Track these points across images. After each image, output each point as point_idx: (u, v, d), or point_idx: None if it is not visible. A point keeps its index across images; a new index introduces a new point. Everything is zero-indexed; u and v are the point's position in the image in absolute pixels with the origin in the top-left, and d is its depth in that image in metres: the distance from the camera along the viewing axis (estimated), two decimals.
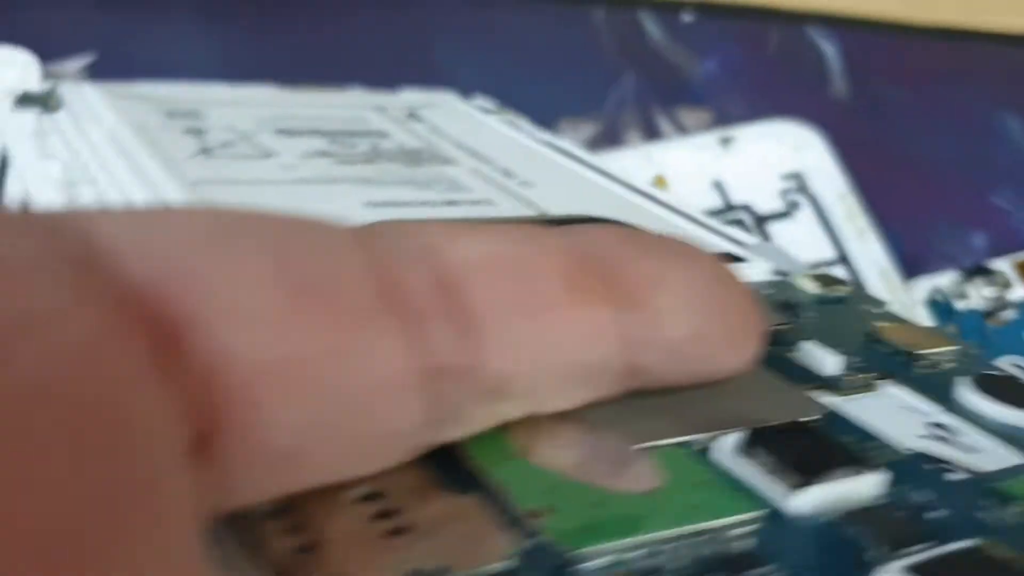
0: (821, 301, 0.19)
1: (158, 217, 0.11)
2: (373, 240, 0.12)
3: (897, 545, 0.12)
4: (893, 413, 0.15)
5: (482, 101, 0.30)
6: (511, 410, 0.12)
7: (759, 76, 0.33)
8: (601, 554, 0.11)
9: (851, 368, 0.16)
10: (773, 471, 0.13)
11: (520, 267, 0.13)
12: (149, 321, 0.10)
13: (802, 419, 0.14)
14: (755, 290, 0.15)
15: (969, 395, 0.15)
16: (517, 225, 0.14)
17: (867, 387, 0.16)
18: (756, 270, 0.20)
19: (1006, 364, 0.16)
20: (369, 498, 0.11)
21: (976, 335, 0.29)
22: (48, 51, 0.30)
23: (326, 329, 0.10)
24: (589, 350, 0.13)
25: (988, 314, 0.29)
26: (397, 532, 0.11)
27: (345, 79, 0.30)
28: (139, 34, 0.32)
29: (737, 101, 0.33)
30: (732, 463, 0.13)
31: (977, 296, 0.29)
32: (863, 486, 0.13)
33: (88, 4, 0.33)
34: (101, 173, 0.25)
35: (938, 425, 0.15)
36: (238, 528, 0.11)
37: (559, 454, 0.13)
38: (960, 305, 0.29)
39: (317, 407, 0.10)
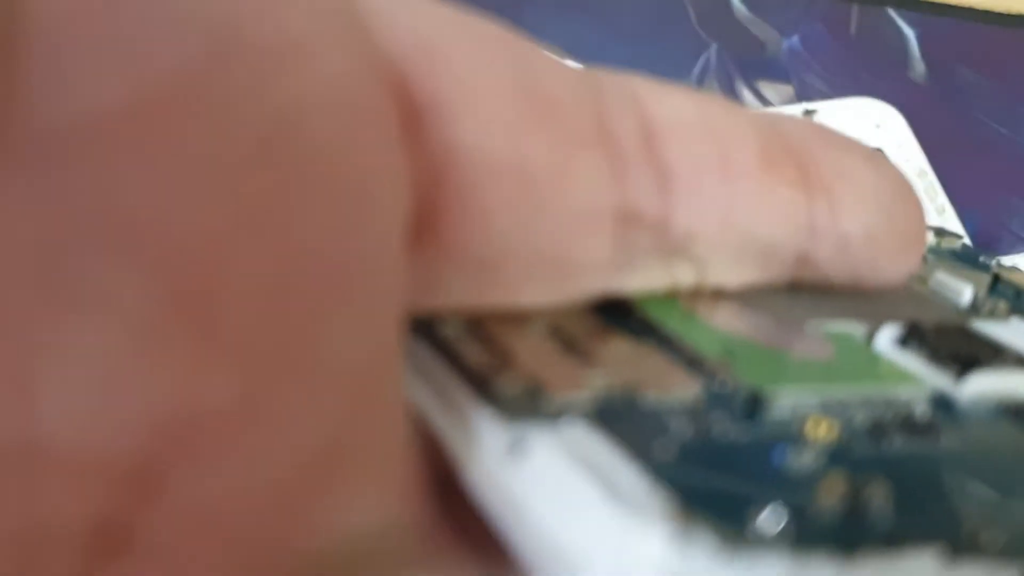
0: (936, 251, 0.19)
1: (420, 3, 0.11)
2: (594, 80, 0.12)
3: None
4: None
5: None
6: (685, 273, 0.12)
7: (839, 55, 0.33)
8: (787, 396, 0.11)
9: (981, 301, 0.16)
10: (934, 361, 0.13)
11: (720, 133, 0.13)
12: (401, 93, 0.10)
13: (952, 323, 0.14)
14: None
15: None
16: (718, 98, 0.14)
17: (1000, 315, 0.16)
18: None
19: None
20: (553, 332, 0.11)
21: None
22: None
23: (552, 146, 0.11)
24: (772, 226, 0.13)
25: None
26: (583, 359, 0.11)
27: None
28: None
29: (817, 78, 0.33)
30: (893, 353, 0.13)
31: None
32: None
33: None
34: None
35: None
36: (428, 336, 0.11)
37: (730, 320, 0.13)
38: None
39: (527, 221, 0.10)
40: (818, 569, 0.09)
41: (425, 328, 0.11)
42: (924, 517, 0.10)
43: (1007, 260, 0.30)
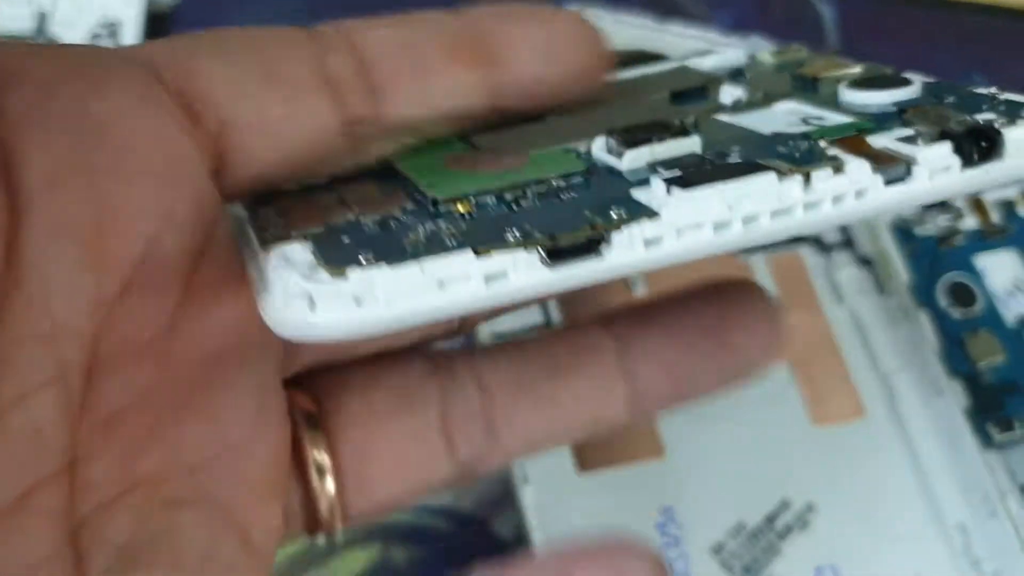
0: (778, 67, 0.23)
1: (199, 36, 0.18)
2: (318, 36, 0.18)
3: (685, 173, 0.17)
4: (775, 116, 0.20)
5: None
6: (409, 138, 0.19)
7: (765, 31, 0.37)
8: (453, 192, 0.17)
9: (754, 95, 0.21)
10: (615, 150, 0.18)
11: (415, 46, 0.19)
12: (179, 96, 0.16)
13: (665, 120, 0.19)
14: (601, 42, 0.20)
15: (844, 92, 0.20)
16: (423, 14, 0.20)
17: (764, 103, 0.21)
18: (730, 55, 0.24)
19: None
20: (338, 198, 0.18)
21: (929, 255, 0.33)
22: None
23: (283, 101, 0.17)
24: (461, 97, 0.19)
25: (942, 239, 0.33)
26: (344, 206, 0.17)
27: None
28: None
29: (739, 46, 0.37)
30: (603, 157, 0.18)
31: (933, 224, 0.33)
32: (681, 146, 0.18)
33: None
34: None
35: (814, 118, 0.19)
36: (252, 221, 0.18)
37: (465, 162, 0.19)
38: (918, 231, 0.33)
39: (285, 148, 0.17)
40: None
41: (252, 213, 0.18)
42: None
43: None
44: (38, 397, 0.15)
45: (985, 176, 0.17)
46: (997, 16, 0.38)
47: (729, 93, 0.22)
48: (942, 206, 0.35)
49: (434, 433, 0.20)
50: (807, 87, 0.21)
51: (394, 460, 0.20)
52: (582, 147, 0.19)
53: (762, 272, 0.31)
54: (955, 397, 0.29)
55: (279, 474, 0.18)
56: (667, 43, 0.26)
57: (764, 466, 0.28)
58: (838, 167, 0.16)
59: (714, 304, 0.22)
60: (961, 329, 0.31)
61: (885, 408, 0.29)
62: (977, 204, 0.35)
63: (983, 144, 0.17)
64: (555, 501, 0.28)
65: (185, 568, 0.16)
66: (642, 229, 0.16)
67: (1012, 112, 0.18)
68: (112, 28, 0.36)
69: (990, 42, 0.38)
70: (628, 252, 0.16)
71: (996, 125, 0.17)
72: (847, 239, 0.32)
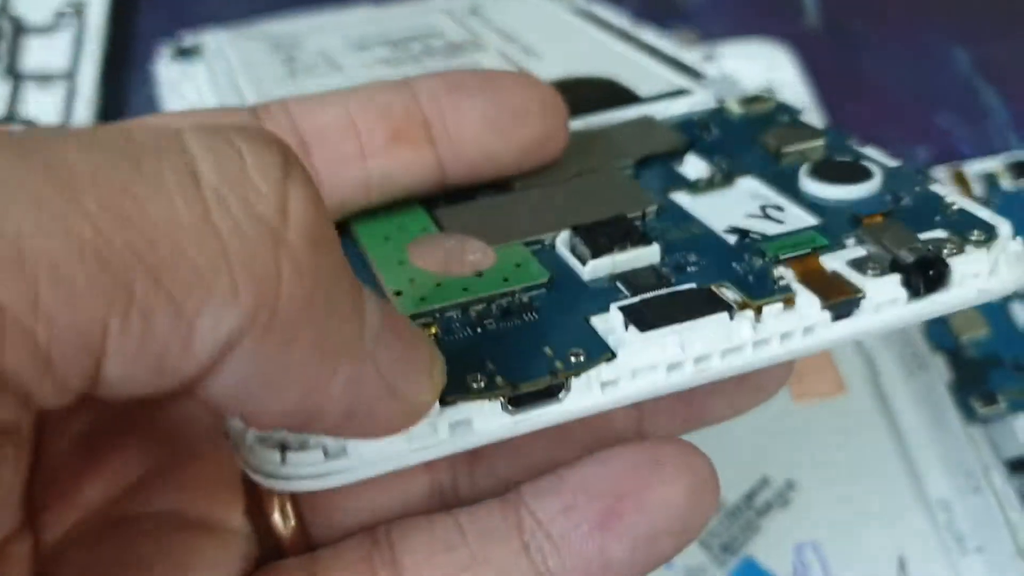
0: (745, 120, 0.23)
1: None
2: (262, 115, 0.19)
3: (636, 290, 0.18)
4: (736, 201, 0.20)
5: None
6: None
7: (742, 4, 0.37)
8: (428, 315, 0.17)
9: (718, 169, 0.21)
10: (579, 252, 0.19)
11: (357, 127, 0.19)
12: None
13: (629, 213, 0.20)
14: (556, 107, 0.20)
15: (804, 181, 0.20)
16: (370, 91, 0.20)
17: (725, 182, 0.21)
18: (698, 99, 0.24)
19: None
20: None
21: None
22: None
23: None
24: (406, 176, 0.19)
25: None
26: None
27: None
28: None
29: (722, 25, 0.37)
30: (565, 255, 0.19)
31: None
32: (641, 256, 0.18)
33: None
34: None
35: (773, 207, 0.20)
36: None
37: (430, 256, 0.19)
38: None
39: None
40: None
41: None
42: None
43: None
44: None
45: (930, 307, 0.17)
46: None
47: (693, 167, 0.22)
48: None
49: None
50: (769, 161, 0.22)
51: None
52: (547, 238, 0.19)
53: None
54: (938, 371, 0.29)
55: (215, 467, 0.18)
56: (636, 68, 0.26)
57: (744, 444, 0.28)
58: (789, 300, 0.17)
59: None
60: None
61: (867, 384, 0.29)
62: (959, 178, 0.35)
63: (930, 274, 0.17)
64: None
65: (152, 570, 0.17)
66: (599, 373, 0.16)
67: (963, 227, 0.18)
68: (78, 6, 0.35)
69: (972, 18, 0.38)
70: (586, 396, 0.16)
71: (943, 254, 0.17)
72: None
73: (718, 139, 0.23)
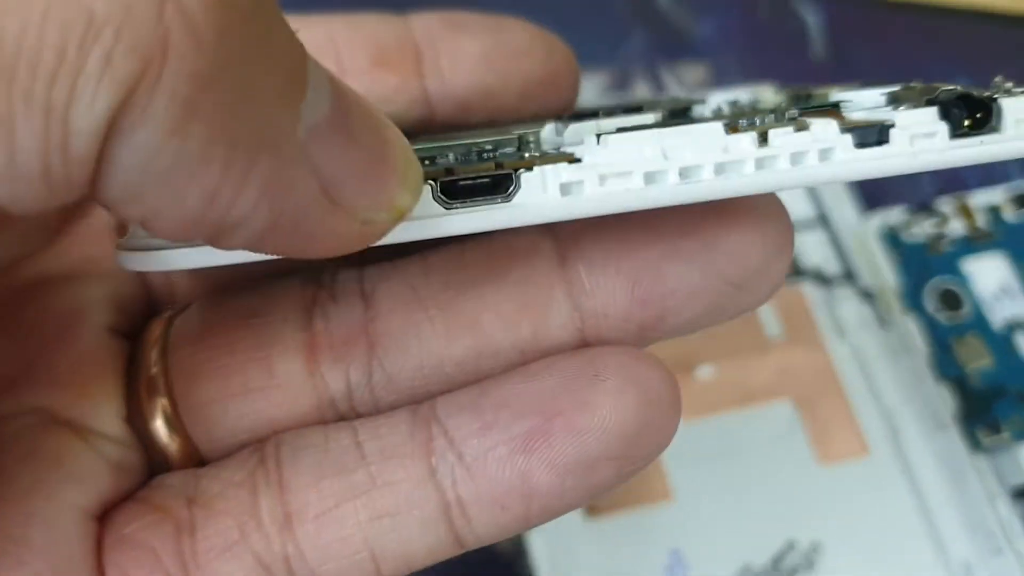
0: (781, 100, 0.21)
1: None
2: None
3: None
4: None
5: None
6: None
7: (750, 38, 0.37)
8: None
9: (739, 109, 0.19)
10: (562, 124, 0.17)
11: (338, 50, 0.17)
12: None
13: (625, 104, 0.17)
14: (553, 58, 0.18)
15: (836, 94, 0.18)
16: (361, 18, 0.18)
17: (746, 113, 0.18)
18: (732, 94, 0.22)
19: None
20: None
21: (918, 262, 0.33)
22: None
23: None
24: (385, 102, 0.17)
25: (929, 245, 0.33)
26: None
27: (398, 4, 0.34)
28: None
29: (730, 59, 0.36)
30: (550, 139, 0.17)
31: (921, 230, 0.33)
32: (632, 120, 0.16)
33: None
34: None
35: None
36: None
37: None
38: (905, 237, 0.33)
39: None
40: None
41: None
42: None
43: (885, 216, 0.34)
44: None
45: (980, 148, 0.15)
46: (983, 21, 0.38)
47: (711, 108, 0.19)
48: (928, 211, 0.35)
49: (288, 354, 0.17)
50: (800, 102, 0.19)
51: (234, 386, 0.17)
52: (532, 137, 0.16)
53: (764, 307, 0.31)
54: (944, 403, 0.30)
55: (93, 367, 0.17)
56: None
57: (770, 506, 0.29)
58: (801, 126, 0.14)
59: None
60: (949, 334, 0.31)
61: (889, 445, 0.29)
62: (963, 209, 0.35)
63: (977, 113, 0.15)
64: (564, 548, 0.27)
65: (23, 467, 0.15)
66: (557, 172, 0.13)
67: (1014, 93, 0.15)
68: None
69: (976, 47, 0.38)
70: (540, 196, 0.13)
71: (993, 94, 0.15)
72: (847, 271, 0.32)
73: (753, 106, 0.20)
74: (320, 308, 0.17)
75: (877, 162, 0.14)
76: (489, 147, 0.15)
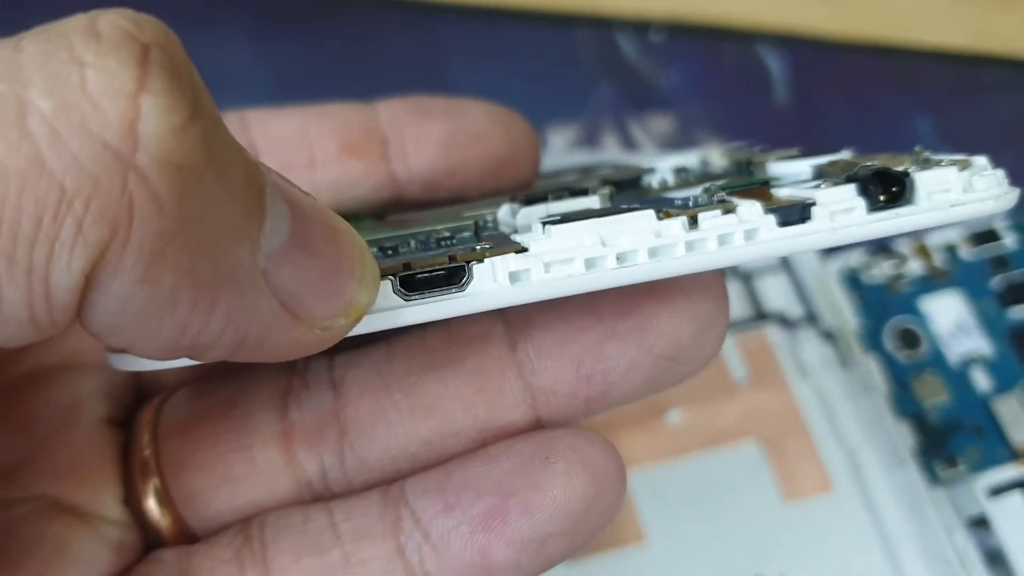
0: (729, 165, 0.22)
1: None
2: None
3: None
4: (692, 189, 0.19)
5: None
6: None
7: (715, 87, 0.38)
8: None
9: (683, 180, 0.20)
10: (513, 207, 0.18)
11: (309, 140, 0.19)
12: None
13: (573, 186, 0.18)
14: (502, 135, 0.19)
15: (770, 167, 0.19)
16: (332, 107, 0.19)
17: (689, 184, 0.20)
18: (682, 157, 0.23)
19: None
20: None
21: (877, 302, 0.34)
22: None
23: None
24: (354, 186, 0.19)
25: (888, 285, 0.34)
26: None
27: (371, 88, 0.35)
28: (195, 45, 0.36)
29: (696, 108, 0.37)
30: (505, 220, 0.18)
31: (880, 271, 0.34)
32: (578, 204, 0.17)
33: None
34: None
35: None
36: None
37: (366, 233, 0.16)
38: (865, 278, 0.34)
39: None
40: None
41: None
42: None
43: (845, 259, 0.35)
44: None
45: (894, 219, 0.16)
46: (942, 61, 0.39)
47: (658, 179, 0.21)
48: (887, 252, 0.36)
49: (268, 442, 0.18)
50: (741, 170, 0.20)
51: (219, 474, 0.18)
52: (489, 216, 0.18)
53: (731, 352, 0.32)
54: (904, 439, 0.31)
55: (92, 457, 0.18)
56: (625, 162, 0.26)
57: (739, 542, 0.30)
58: (728, 208, 0.15)
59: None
60: (908, 372, 0.33)
61: (851, 481, 0.31)
62: (921, 249, 0.36)
63: (892, 187, 0.16)
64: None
65: (31, 552, 0.16)
66: (506, 262, 0.15)
67: (931, 163, 0.16)
68: None
69: (934, 84, 0.39)
70: (491, 285, 0.15)
71: (908, 169, 0.16)
72: (810, 313, 0.33)
73: (698, 172, 0.22)
74: (295, 396, 0.18)
75: (799, 239, 0.15)
76: (447, 234, 0.16)
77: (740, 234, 0.15)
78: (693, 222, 0.15)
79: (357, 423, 0.18)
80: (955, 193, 0.16)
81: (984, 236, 0.35)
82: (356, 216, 0.19)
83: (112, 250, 0.12)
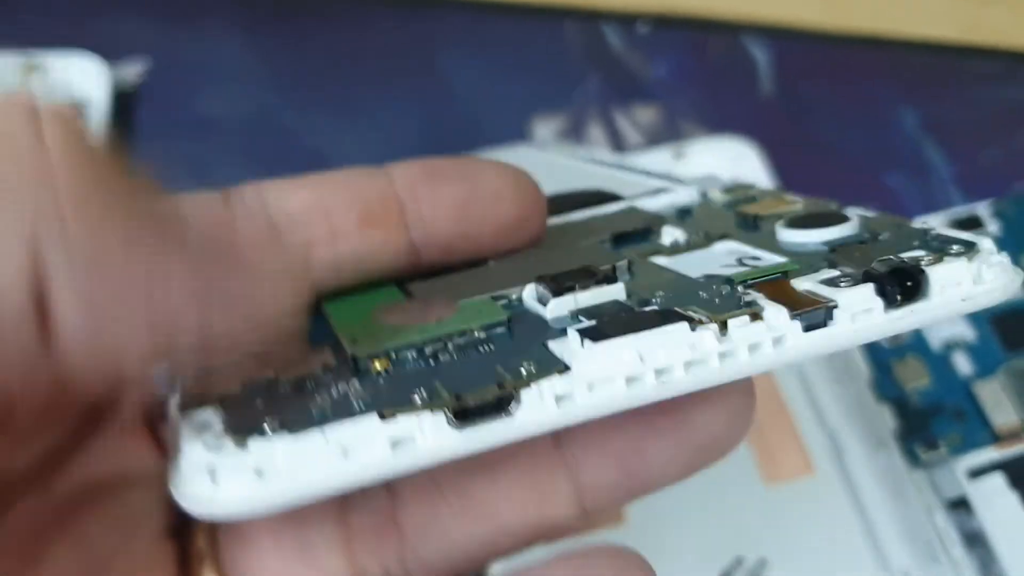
0: (727, 205, 0.23)
1: None
2: (233, 199, 0.18)
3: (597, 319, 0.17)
4: (711, 257, 0.20)
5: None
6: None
7: (701, 78, 0.38)
8: (382, 355, 0.17)
9: (695, 236, 0.21)
10: (541, 294, 0.18)
11: (328, 211, 0.19)
12: None
13: (597, 266, 0.19)
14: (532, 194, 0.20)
15: (781, 232, 0.20)
16: (345, 175, 0.19)
17: (703, 244, 0.20)
18: (681, 193, 0.24)
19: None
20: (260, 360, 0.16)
21: None
22: (113, 56, 0.35)
23: (193, 274, 0.15)
24: (375, 256, 0.19)
25: None
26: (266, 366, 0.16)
27: (363, 80, 0.35)
28: (188, 41, 0.37)
29: (682, 100, 0.38)
30: (532, 305, 0.18)
31: None
32: (604, 293, 0.18)
33: (145, 16, 0.37)
34: None
35: (749, 258, 0.19)
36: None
37: (393, 317, 0.18)
38: None
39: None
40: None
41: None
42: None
43: None
44: None
45: (910, 317, 0.17)
46: (926, 51, 0.40)
47: (670, 234, 0.22)
48: None
49: (331, 549, 0.18)
50: (748, 226, 0.21)
51: None
52: (514, 294, 0.19)
53: None
54: (885, 423, 0.31)
55: (156, 571, 0.18)
56: (622, 182, 0.27)
57: (719, 525, 0.30)
58: (755, 314, 0.16)
59: None
60: (890, 356, 0.33)
61: (832, 464, 0.31)
62: None
63: (907, 284, 0.17)
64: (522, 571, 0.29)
65: None
66: (552, 385, 0.15)
67: (941, 247, 0.17)
68: (80, 107, 0.35)
69: (921, 75, 0.39)
70: (539, 410, 0.15)
71: (921, 264, 0.17)
72: None
73: (700, 216, 0.23)
74: (351, 498, 0.18)
75: (824, 342, 0.16)
76: (483, 335, 0.17)
77: (768, 342, 0.16)
78: (723, 328, 0.16)
79: (414, 527, 0.19)
80: (966, 287, 0.17)
81: (967, 223, 0.36)
82: (379, 284, 0.20)
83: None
